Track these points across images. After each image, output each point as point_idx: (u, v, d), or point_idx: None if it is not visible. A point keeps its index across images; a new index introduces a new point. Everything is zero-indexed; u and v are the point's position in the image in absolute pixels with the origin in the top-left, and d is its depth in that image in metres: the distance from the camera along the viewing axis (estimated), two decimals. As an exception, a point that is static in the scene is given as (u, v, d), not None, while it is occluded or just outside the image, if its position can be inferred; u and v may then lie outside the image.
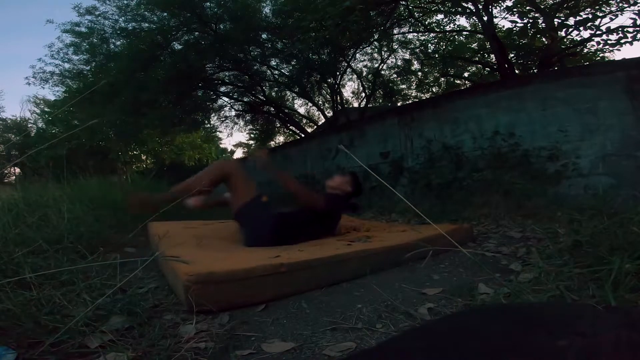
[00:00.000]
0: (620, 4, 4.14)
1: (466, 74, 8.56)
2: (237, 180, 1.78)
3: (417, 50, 7.66)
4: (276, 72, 7.85)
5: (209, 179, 1.76)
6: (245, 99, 8.73)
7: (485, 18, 4.60)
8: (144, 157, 16.12)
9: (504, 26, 6.49)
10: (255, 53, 7.20)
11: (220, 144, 19.58)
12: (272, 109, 9.03)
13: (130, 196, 1.75)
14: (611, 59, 5.78)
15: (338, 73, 7.73)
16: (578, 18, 3.94)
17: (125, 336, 0.82)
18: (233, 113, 9.68)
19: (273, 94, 9.22)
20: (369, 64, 8.68)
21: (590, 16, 3.86)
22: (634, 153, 2.85)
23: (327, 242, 1.67)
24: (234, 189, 1.79)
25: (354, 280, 1.33)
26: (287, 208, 1.94)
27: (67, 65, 7.44)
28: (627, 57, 5.98)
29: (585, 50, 5.75)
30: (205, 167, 2.00)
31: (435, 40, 7.43)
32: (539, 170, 3.24)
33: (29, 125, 14.56)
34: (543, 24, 4.43)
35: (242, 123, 10.29)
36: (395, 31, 6.71)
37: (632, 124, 2.88)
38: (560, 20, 4.64)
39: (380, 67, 8.33)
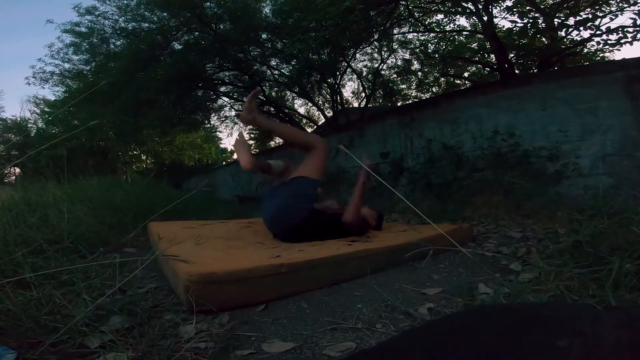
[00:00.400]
0: (620, 4, 4.14)
1: (466, 74, 8.55)
2: (319, 157, 1.86)
3: (417, 50, 7.66)
4: (276, 72, 7.86)
5: (300, 137, 1.92)
6: (246, 99, 8.73)
7: (485, 18, 4.60)
8: (144, 157, 16.12)
9: (504, 26, 6.49)
10: (255, 53, 7.20)
11: (220, 144, 19.58)
12: (272, 109, 9.03)
13: (249, 100, 1.94)
14: (611, 59, 5.78)
15: (338, 73, 7.73)
16: (578, 18, 3.93)
17: (125, 336, 0.82)
18: (233, 113, 9.69)
19: (273, 94, 9.22)
20: (369, 64, 8.69)
21: (590, 16, 3.86)
22: (633, 153, 2.85)
23: (327, 242, 1.67)
24: (310, 160, 1.86)
25: (354, 280, 1.33)
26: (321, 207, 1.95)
27: (67, 65, 7.46)
28: (627, 57, 5.98)
29: (585, 50, 5.75)
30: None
31: (435, 40, 7.42)
32: (539, 170, 3.24)
33: (29, 125, 14.56)
34: (543, 24, 4.43)
35: (242, 123, 10.29)
36: (395, 31, 6.71)
37: (632, 124, 2.88)
38: (560, 20, 4.64)
39: (380, 67, 8.34)
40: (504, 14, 5.99)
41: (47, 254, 1.27)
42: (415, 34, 7.29)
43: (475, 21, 6.08)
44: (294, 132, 2.03)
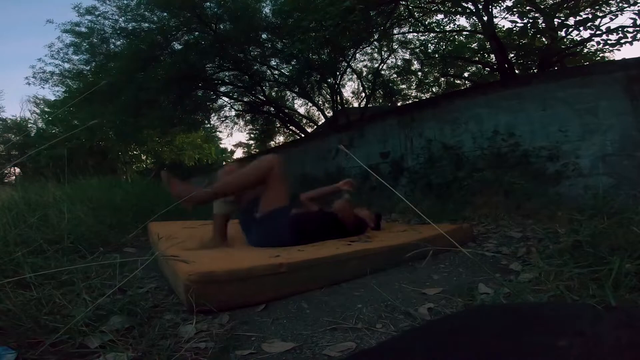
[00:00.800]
0: (620, 4, 4.14)
1: (466, 74, 8.55)
2: (276, 179, 1.65)
3: (417, 50, 7.65)
4: (276, 72, 7.85)
5: (256, 178, 1.63)
6: (245, 99, 8.74)
7: (485, 18, 4.60)
8: (144, 157, 16.11)
9: (504, 26, 6.48)
10: (255, 53, 7.20)
11: (220, 144, 19.57)
12: (272, 109, 9.02)
13: (170, 182, 1.54)
14: (611, 59, 5.78)
15: (338, 73, 7.72)
16: (578, 18, 3.93)
17: (125, 336, 0.82)
18: (233, 113, 9.68)
19: (273, 94, 9.21)
20: (369, 64, 8.68)
21: (590, 16, 3.86)
22: (633, 153, 2.86)
23: (327, 242, 1.67)
24: (269, 189, 1.65)
25: (354, 280, 1.33)
26: (302, 208, 1.94)
27: (67, 65, 7.46)
28: (627, 57, 5.98)
29: (585, 50, 5.75)
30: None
31: (435, 40, 7.42)
32: (539, 170, 3.25)
33: (29, 125, 14.55)
34: (543, 24, 4.43)
35: (242, 123, 10.30)
36: (395, 31, 6.71)
37: (632, 124, 2.88)
38: (560, 20, 4.64)
39: (380, 67, 8.33)
40: (504, 14, 5.98)
41: (47, 254, 1.28)
42: (415, 34, 7.29)
43: (475, 21, 6.08)
44: (243, 175, 1.64)
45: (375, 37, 6.28)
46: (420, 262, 1.51)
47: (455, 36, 7.28)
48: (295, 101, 10.22)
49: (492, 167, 3.51)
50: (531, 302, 0.88)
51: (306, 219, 1.77)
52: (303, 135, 8.87)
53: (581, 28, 3.76)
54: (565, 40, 4.99)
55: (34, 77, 7.75)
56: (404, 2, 5.36)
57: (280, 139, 12.40)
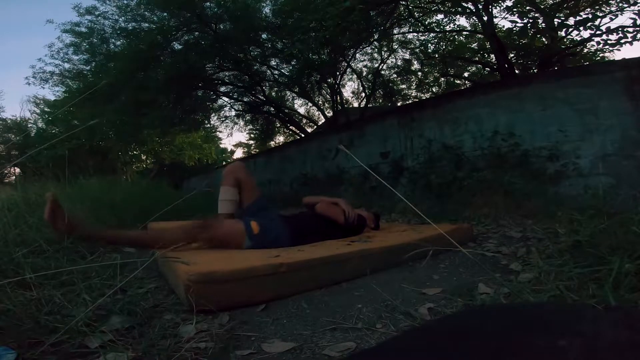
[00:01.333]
0: (620, 4, 4.15)
1: (466, 74, 8.56)
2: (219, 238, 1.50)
3: (417, 50, 7.67)
4: (276, 72, 7.86)
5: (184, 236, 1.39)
6: (245, 99, 8.74)
7: (485, 18, 4.60)
8: (144, 157, 16.12)
9: (504, 26, 6.50)
10: (255, 53, 7.21)
11: (220, 144, 19.59)
12: (272, 109, 9.03)
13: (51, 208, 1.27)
14: (611, 59, 5.78)
15: (338, 73, 7.73)
16: (578, 18, 3.94)
17: (125, 336, 0.82)
18: (233, 113, 9.70)
19: (273, 94, 9.22)
20: (369, 64, 8.70)
21: (590, 16, 3.86)
22: (633, 153, 2.85)
23: (327, 242, 1.67)
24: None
25: (354, 280, 1.33)
26: (286, 212, 1.95)
27: (67, 65, 7.48)
28: (627, 57, 5.99)
29: (585, 50, 5.76)
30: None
31: (435, 40, 7.44)
32: (539, 170, 3.24)
33: (29, 125, 14.55)
34: (543, 24, 4.43)
35: (242, 123, 10.32)
36: (395, 31, 6.72)
37: (632, 124, 2.88)
38: (560, 20, 4.64)
39: (380, 67, 8.34)
40: (504, 14, 6.01)
41: (47, 254, 1.27)
42: (415, 34, 7.30)
43: (475, 21, 6.09)
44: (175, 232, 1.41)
45: (375, 37, 6.29)
46: (420, 262, 1.51)
47: (455, 36, 7.29)
48: (295, 101, 10.24)
49: (492, 167, 3.51)
50: (531, 302, 0.88)
51: (296, 219, 1.79)
52: (303, 135, 8.88)
53: (581, 28, 3.77)
54: (565, 40, 4.99)
55: (34, 77, 7.79)
56: (404, 2, 5.36)
57: (280, 139, 12.42)
